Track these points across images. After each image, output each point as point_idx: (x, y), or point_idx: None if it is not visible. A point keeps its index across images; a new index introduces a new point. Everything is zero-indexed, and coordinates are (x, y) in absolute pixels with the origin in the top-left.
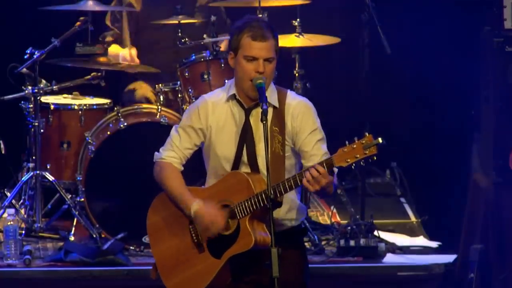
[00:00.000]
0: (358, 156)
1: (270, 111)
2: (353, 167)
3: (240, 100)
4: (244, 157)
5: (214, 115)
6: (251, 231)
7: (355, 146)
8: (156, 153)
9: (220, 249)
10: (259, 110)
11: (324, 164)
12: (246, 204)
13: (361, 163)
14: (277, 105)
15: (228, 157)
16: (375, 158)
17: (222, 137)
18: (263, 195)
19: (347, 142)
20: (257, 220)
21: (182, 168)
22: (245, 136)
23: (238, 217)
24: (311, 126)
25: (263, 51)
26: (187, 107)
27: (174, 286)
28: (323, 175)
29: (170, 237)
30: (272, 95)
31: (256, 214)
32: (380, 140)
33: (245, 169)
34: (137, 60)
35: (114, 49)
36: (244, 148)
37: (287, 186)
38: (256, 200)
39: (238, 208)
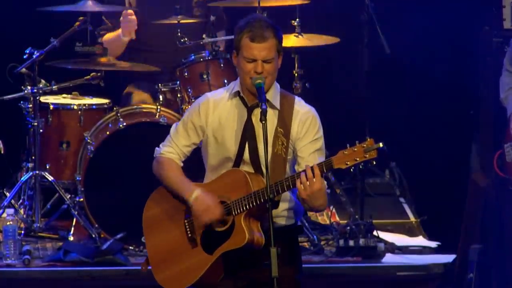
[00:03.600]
0: (357, 159)
1: (275, 112)
2: (351, 170)
3: (243, 98)
4: (246, 156)
5: (215, 113)
6: (245, 228)
7: (356, 149)
8: (156, 148)
9: (213, 245)
10: None
11: (324, 166)
12: (242, 201)
13: (360, 166)
14: (278, 107)
15: (229, 154)
16: (374, 162)
17: (223, 135)
18: (261, 193)
19: (348, 145)
20: (252, 219)
21: (182, 164)
22: (247, 134)
23: (234, 214)
24: (314, 135)
25: (261, 52)
26: (189, 106)
27: (164, 280)
28: (317, 178)
29: (164, 231)
30: (274, 96)
31: (252, 212)
32: (381, 144)
33: (247, 168)
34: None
35: (106, 37)
36: (246, 146)
37: (284, 186)
38: (253, 197)
39: (234, 205)
